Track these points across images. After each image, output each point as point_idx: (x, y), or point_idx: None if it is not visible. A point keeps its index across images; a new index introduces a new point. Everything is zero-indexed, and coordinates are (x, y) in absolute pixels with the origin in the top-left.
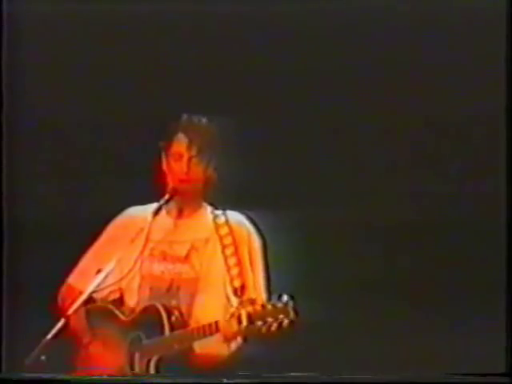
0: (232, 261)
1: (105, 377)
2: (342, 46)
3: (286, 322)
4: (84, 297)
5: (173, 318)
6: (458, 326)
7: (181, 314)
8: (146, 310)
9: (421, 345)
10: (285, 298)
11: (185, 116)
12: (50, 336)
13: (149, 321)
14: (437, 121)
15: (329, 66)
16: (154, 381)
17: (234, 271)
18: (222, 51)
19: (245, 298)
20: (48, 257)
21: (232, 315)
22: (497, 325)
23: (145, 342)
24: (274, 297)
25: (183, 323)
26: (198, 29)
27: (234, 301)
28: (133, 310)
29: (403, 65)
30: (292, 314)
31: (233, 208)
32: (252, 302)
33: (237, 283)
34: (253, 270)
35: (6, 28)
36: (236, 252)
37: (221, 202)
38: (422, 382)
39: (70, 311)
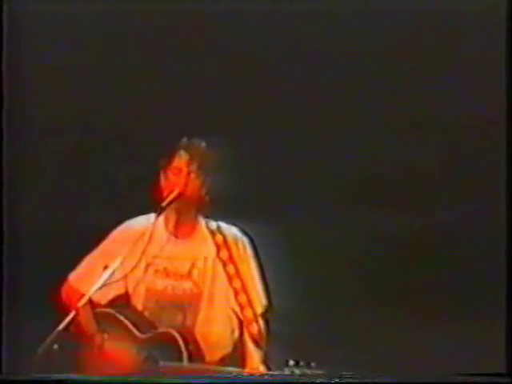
0: (233, 275)
1: (105, 377)
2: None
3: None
4: (92, 292)
5: (190, 347)
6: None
7: (196, 342)
8: (162, 334)
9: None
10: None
11: (185, 138)
12: (61, 326)
13: (165, 344)
14: (436, 121)
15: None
16: (155, 381)
17: (237, 286)
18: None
19: (250, 312)
20: (48, 258)
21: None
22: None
23: (161, 363)
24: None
25: (199, 351)
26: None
27: (241, 316)
28: (148, 329)
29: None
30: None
31: (227, 221)
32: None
33: (242, 298)
34: (253, 283)
35: (6, 28)
36: (236, 267)
37: (216, 215)
38: (422, 382)
39: (80, 304)
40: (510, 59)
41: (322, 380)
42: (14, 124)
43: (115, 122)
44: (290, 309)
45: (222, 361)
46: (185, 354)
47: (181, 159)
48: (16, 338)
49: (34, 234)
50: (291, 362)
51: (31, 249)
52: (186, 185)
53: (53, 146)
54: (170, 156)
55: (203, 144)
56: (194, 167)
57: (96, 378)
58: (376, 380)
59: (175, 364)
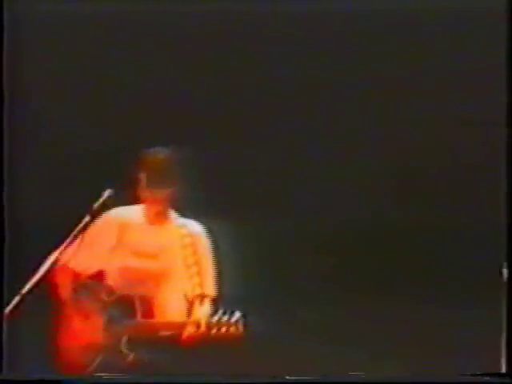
0: (193, 266)
1: (105, 377)
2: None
3: (233, 330)
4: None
5: (144, 307)
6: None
7: (150, 304)
8: (123, 296)
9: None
10: (237, 314)
11: (146, 150)
12: (26, 289)
13: (125, 306)
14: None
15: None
16: (155, 381)
17: (193, 270)
18: None
19: (201, 293)
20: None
21: (193, 322)
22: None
23: (119, 320)
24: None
25: (151, 313)
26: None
27: (195, 301)
28: (112, 293)
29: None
30: (240, 329)
31: (192, 218)
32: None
33: (196, 280)
34: (207, 270)
35: (7, 28)
36: (195, 256)
37: (185, 213)
38: (422, 382)
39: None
40: (510, 59)
41: (321, 380)
42: (14, 124)
43: (115, 121)
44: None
45: (169, 324)
46: (139, 312)
47: (142, 178)
48: (16, 337)
49: (34, 234)
50: (219, 312)
51: (31, 249)
52: (151, 199)
53: (53, 145)
54: (136, 167)
55: (161, 156)
56: (155, 182)
57: (95, 378)
58: (376, 380)
59: (130, 322)
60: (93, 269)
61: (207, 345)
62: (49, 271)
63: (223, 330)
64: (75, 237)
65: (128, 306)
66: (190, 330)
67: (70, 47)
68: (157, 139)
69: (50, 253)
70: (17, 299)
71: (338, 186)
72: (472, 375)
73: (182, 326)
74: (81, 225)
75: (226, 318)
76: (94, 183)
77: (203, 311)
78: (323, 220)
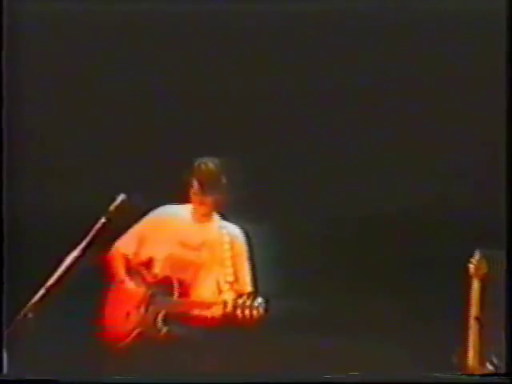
0: (228, 260)
1: (104, 377)
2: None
3: (255, 314)
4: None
5: (182, 289)
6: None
7: (187, 288)
8: (165, 279)
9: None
10: (259, 300)
11: (197, 162)
12: (37, 297)
13: (165, 287)
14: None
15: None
16: (155, 381)
17: (229, 268)
18: None
19: (233, 289)
20: (48, 257)
21: (221, 301)
22: None
23: (159, 298)
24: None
25: (187, 295)
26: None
27: (225, 289)
28: (156, 276)
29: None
30: (262, 311)
31: (232, 221)
32: (239, 294)
33: (229, 278)
34: (242, 269)
35: (6, 28)
36: (232, 254)
37: (226, 217)
38: (422, 382)
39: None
40: (510, 59)
41: (322, 380)
42: (13, 123)
43: (115, 122)
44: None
45: (200, 303)
46: (176, 293)
47: (193, 185)
48: (16, 337)
49: (34, 234)
50: (244, 296)
51: (32, 248)
52: (200, 202)
53: (52, 144)
54: (187, 179)
55: (212, 166)
56: (204, 190)
57: (95, 378)
58: (376, 380)
59: (167, 299)
60: (143, 256)
61: (232, 325)
62: (71, 266)
63: (247, 312)
64: (93, 237)
65: (168, 288)
66: (217, 310)
67: (70, 47)
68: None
69: (50, 253)
70: (42, 292)
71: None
72: (472, 375)
73: (210, 305)
74: (98, 225)
75: (249, 301)
76: (94, 183)
77: (231, 295)
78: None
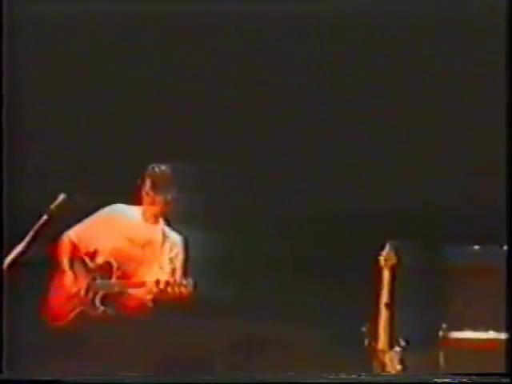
0: (167, 261)
1: (104, 377)
2: None
3: (185, 291)
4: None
5: (119, 273)
6: None
7: (124, 272)
8: (104, 263)
9: None
10: (189, 279)
11: (150, 166)
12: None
13: (105, 272)
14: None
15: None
16: (156, 381)
17: (167, 268)
18: None
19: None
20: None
21: (155, 280)
22: None
23: (98, 281)
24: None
25: (125, 277)
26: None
27: (163, 275)
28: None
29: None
30: (191, 289)
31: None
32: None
33: (166, 268)
34: (178, 271)
35: (6, 28)
36: (171, 256)
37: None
38: (422, 382)
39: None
40: (510, 59)
41: (322, 380)
42: (14, 123)
43: (115, 121)
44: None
45: (134, 283)
46: (115, 275)
47: (146, 185)
48: (16, 337)
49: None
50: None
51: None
52: (151, 202)
53: (52, 144)
54: (141, 180)
55: (163, 170)
56: (155, 190)
57: (95, 378)
58: (376, 380)
59: (105, 281)
60: (90, 246)
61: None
62: (17, 258)
63: (176, 289)
64: (35, 232)
65: (107, 273)
66: (150, 288)
67: (70, 47)
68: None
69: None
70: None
71: None
72: (472, 375)
73: (144, 284)
74: (40, 221)
75: (179, 279)
76: (93, 184)
77: (164, 275)
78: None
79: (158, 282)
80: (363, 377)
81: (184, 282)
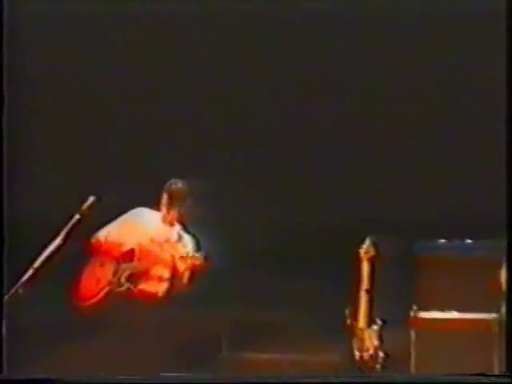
0: (181, 251)
1: (104, 377)
2: None
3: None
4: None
5: (136, 259)
6: None
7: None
8: (129, 251)
9: None
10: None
11: (168, 182)
12: (26, 277)
13: (128, 257)
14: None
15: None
16: (155, 381)
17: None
18: None
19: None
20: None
21: (170, 256)
22: None
23: (123, 265)
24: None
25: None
26: None
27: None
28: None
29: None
30: (202, 260)
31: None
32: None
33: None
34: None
35: (6, 28)
36: (184, 249)
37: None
38: (421, 382)
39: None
40: (510, 59)
41: (322, 380)
42: (14, 123)
43: (115, 121)
44: None
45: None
46: (136, 258)
47: (163, 198)
48: (16, 337)
49: (35, 233)
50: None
51: (32, 248)
52: (167, 212)
53: (52, 143)
54: (161, 193)
55: (182, 186)
56: (171, 204)
57: (95, 377)
58: (376, 380)
59: (129, 264)
60: (118, 240)
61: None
62: (54, 251)
63: (189, 261)
64: (68, 231)
65: (130, 258)
66: (166, 264)
67: (70, 47)
68: None
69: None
70: (30, 272)
71: None
72: (472, 375)
73: (161, 260)
74: (72, 221)
75: (192, 252)
76: (92, 184)
77: (177, 251)
78: None
79: (173, 257)
80: (363, 377)
81: (197, 254)
